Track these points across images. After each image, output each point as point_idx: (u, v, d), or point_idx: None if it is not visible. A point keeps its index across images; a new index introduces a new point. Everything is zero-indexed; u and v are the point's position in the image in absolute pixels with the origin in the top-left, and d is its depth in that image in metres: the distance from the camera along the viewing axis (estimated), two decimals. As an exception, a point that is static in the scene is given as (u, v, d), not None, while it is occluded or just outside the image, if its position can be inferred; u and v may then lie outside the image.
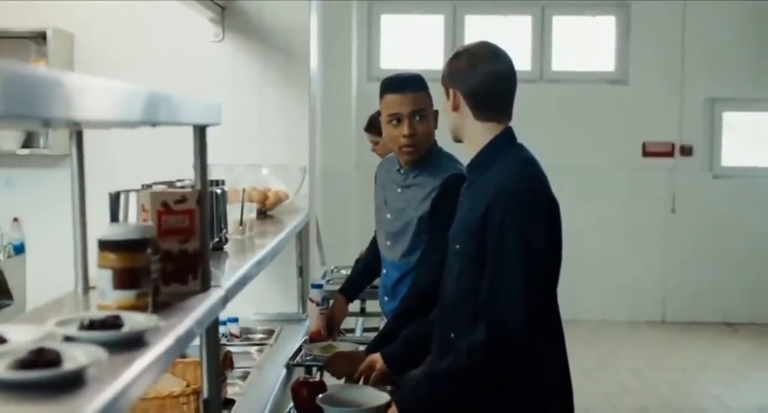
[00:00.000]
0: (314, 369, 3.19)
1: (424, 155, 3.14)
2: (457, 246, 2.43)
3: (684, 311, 8.76)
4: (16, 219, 4.16)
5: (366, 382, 2.82)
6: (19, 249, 4.17)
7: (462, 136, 2.51)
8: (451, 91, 2.47)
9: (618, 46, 8.85)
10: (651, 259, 8.78)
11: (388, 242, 3.27)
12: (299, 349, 3.32)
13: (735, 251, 8.71)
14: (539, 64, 8.80)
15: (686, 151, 8.75)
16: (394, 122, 3.10)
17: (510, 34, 8.79)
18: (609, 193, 8.77)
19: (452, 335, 2.42)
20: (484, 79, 2.42)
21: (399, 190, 3.22)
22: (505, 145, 2.45)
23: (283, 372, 3.15)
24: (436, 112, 3.12)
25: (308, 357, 3.20)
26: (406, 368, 2.80)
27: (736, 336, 8.30)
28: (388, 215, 3.26)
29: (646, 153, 8.78)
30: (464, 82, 2.44)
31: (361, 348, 3.10)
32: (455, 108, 2.47)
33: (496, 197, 2.30)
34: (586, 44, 8.95)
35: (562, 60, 8.86)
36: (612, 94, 8.77)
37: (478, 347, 2.26)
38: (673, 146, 8.76)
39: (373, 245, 3.55)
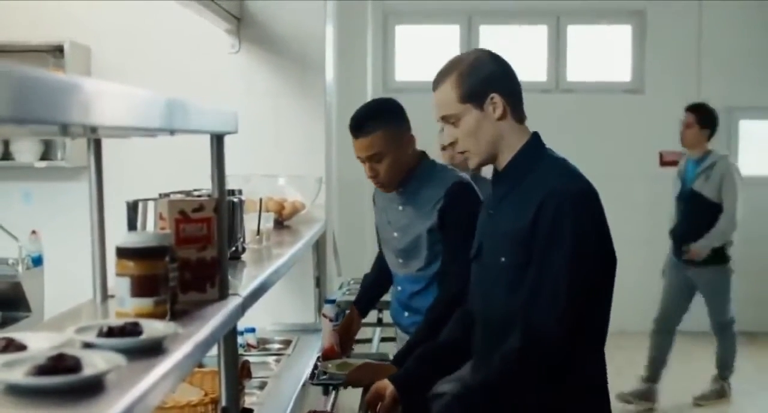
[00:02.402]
0: (330, 387, 3.15)
1: (415, 172, 3.14)
2: (503, 259, 2.23)
3: (702, 320, 8.65)
4: (34, 232, 4.16)
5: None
6: (37, 262, 4.16)
7: (501, 148, 2.27)
8: (489, 99, 2.23)
9: (634, 55, 8.82)
10: (669, 269, 8.70)
11: (400, 260, 3.25)
12: (315, 367, 3.25)
13: (753, 261, 8.62)
14: (554, 74, 8.79)
15: (703, 160, 8.68)
16: (360, 160, 3.14)
17: (525, 44, 8.79)
18: (626, 203, 8.71)
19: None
20: (511, 71, 2.29)
21: (400, 208, 3.21)
22: (540, 148, 2.30)
23: (300, 386, 3.12)
24: (408, 135, 3.10)
25: (324, 376, 3.10)
26: (418, 389, 2.64)
27: (754, 346, 8.23)
28: (395, 234, 3.24)
29: (663, 162, 8.72)
30: (502, 82, 2.27)
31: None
32: (502, 116, 2.24)
33: (547, 198, 2.13)
34: (601, 54, 8.92)
35: (577, 70, 8.83)
36: (628, 103, 8.73)
37: (513, 353, 2.13)
38: (690, 154, 8.70)
39: (378, 261, 3.55)
